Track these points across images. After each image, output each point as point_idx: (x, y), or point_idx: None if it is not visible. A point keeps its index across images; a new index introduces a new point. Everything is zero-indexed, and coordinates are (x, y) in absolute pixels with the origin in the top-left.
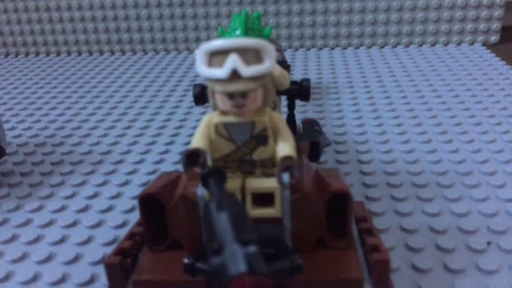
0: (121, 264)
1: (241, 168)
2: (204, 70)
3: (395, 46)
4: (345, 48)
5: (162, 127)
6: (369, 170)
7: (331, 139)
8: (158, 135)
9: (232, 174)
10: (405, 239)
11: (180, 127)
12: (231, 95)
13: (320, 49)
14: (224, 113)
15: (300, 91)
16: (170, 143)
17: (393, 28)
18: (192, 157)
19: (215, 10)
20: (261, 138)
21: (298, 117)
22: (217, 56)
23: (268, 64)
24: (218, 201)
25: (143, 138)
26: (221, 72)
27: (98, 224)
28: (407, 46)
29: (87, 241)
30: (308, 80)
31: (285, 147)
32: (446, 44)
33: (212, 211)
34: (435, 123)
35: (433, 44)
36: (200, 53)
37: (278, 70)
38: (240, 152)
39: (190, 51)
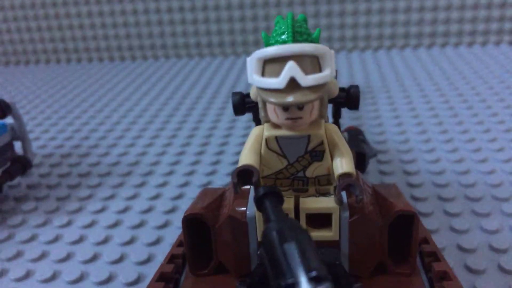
0: None
1: (293, 185)
2: (258, 80)
3: (429, 47)
4: (376, 50)
5: (191, 136)
6: (417, 182)
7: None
8: (188, 144)
9: (283, 192)
10: (465, 259)
11: (210, 135)
12: (286, 107)
13: (350, 51)
14: (276, 126)
15: (348, 99)
16: (200, 153)
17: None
18: (243, 176)
19: (252, 12)
20: (316, 154)
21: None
22: (272, 64)
23: (328, 72)
24: (280, 230)
25: (171, 148)
26: (277, 81)
27: (130, 241)
28: (443, 46)
29: (120, 259)
30: (357, 86)
31: (343, 163)
32: (483, 44)
33: (275, 243)
34: (483, 130)
35: (471, 44)
36: (253, 60)
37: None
38: (292, 169)
39: (225, 56)
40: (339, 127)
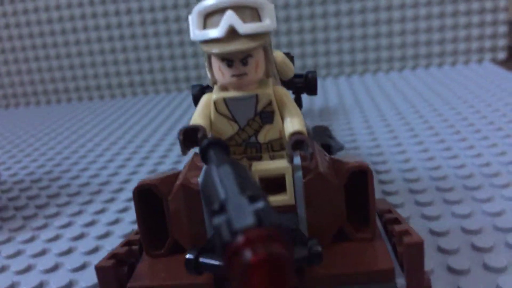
0: (115, 270)
1: (247, 153)
2: (198, 33)
3: (401, 70)
4: (349, 75)
5: (164, 155)
6: (387, 178)
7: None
8: (160, 163)
9: (237, 161)
10: (437, 241)
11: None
12: (230, 63)
13: (324, 78)
14: (224, 89)
15: (306, 83)
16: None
17: (397, 52)
18: (189, 134)
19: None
20: (266, 115)
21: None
22: (212, 17)
23: (268, 22)
24: (218, 161)
25: (143, 167)
26: (217, 31)
27: (95, 250)
28: (414, 68)
29: (82, 267)
30: (314, 72)
31: (293, 123)
32: (453, 64)
33: (211, 171)
34: (453, 132)
35: (440, 64)
36: (194, 15)
37: (280, 56)
38: (244, 134)
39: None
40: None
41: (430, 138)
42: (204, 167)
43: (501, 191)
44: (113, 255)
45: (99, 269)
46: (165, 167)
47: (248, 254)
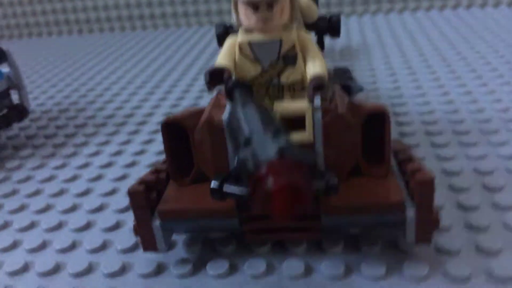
0: (145, 193)
1: (269, 93)
2: None
3: (428, 10)
4: (374, 14)
5: (181, 98)
6: (405, 120)
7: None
8: (182, 98)
9: (260, 100)
10: (449, 180)
11: (200, 97)
12: (255, 8)
13: (348, 16)
14: (249, 32)
15: (329, 25)
16: (194, 105)
17: None
18: (215, 75)
19: None
20: (289, 58)
21: None
22: None
23: None
24: (243, 101)
25: (165, 101)
26: None
27: (123, 177)
28: (442, 9)
29: (112, 192)
30: (338, 15)
31: (315, 66)
32: (482, 7)
33: (237, 110)
34: (475, 76)
35: (469, 6)
36: None
37: (305, 1)
38: (267, 75)
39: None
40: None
41: (451, 82)
42: (228, 105)
43: None
44: (142, 181)
45: (131, 193)
46: (187, 102)
47: (270, 183)
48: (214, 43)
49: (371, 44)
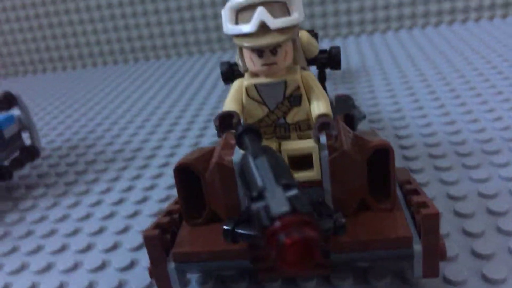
0: (160, 237)
1: (276, 133)
2: (231, 28)
3: (423, 27)
4: (372, 33)
5: (187, 129)
6: (408, 143)
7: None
8: (188, 129)
9: (267, 140)
10: (453, 205)
11: (205, 128)
12: (260, 53)
13: (345, 36)
14: (254, 75)
15: (330, 59)
16: (200, 136)
17: (420, 8)
18: (225, 120)
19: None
20: (294, 99)
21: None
22: (243, 13)
23: (296, 16)
24: (254, 150)
25: (172, 133)
26: (248, 26)
27: (134, 214)
28: (437, 25)
29: (125, 230)
30: (337, 47)
31: (319, 106)
32: (477, 20)
33: (249, 160)
34: (474, 94)
35: (464, 21)
36: (226, 11)
37: (306, 36)
38: (273, 116)
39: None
40: (325, 90)
41: (451, 101)
42: (237, 147)
43: None
44: (157, 225)
45: (147, 238)
46: (193, 133)
47: (283, 237)
48: (216, 71)
49: (370, 65)
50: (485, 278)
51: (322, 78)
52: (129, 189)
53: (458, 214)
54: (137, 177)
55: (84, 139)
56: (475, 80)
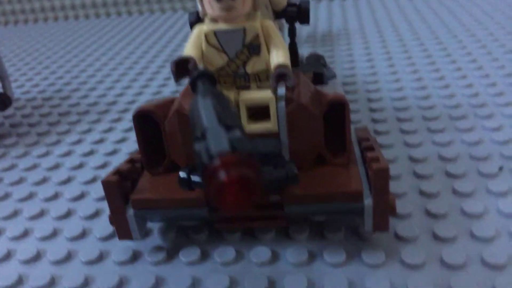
0: (119, 184)
1: (236, 83)
2: None
3: None
4: None
5: (163, 85)
6: (378, 106)
7: (339, 76)
8: (165, 85)
9: (227, 91)
10: (413, 167)
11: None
12: None
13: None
14: (214, 21)
15: (299, 12)
16: (177, 92)
17: None
18: (181, 65)
19: None
20: (254, 47)
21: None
22: None
23: None
24: (203, 92)
25: (148, 88)
26: None
27: (104, 165)
28: None
29: (93, 180)
30: (307, 1)
31: (278, 56)
32: None
33: (197, 101)
34: (449, 60)
35: None
36: None
37: None
38: (233, 65)
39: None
40: (295, 46)
41: (426, 67)
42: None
43: (483, 122)
44: (117, 171)
45: (105, 183)
46: (169, 89)
47: (222, 175)
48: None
49: (352, 30)
50: (436, 236)
51: (292, 33)
52: (100, 141)
53: (417, 175)
54: (109, 130)
55: (59, 91)
56: (453, 47)
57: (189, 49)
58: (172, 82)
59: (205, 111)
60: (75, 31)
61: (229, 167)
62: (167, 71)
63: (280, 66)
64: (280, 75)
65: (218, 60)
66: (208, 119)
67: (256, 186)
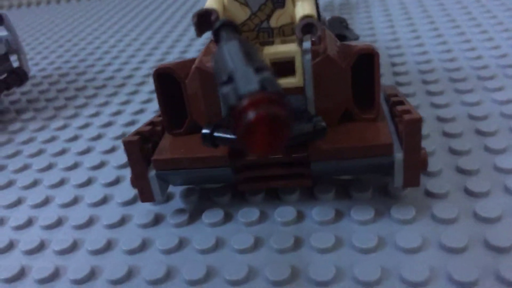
0: (139, 143)
1: (259, 38)
2: None
3: None
4: None
5: (179, 59)
6: (402, 70)
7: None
8: (181, 58)
9: None
10: (442, 127)
11: None
12: None
13: None
14: None
15: None
16: None
17: None
18: (204, 18)
19: None
20: (278, 0)
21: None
22: None
23: None
24: (227, 37)
25: (165, 61)
26: None
27: (122, 135)
28: None
29: (112, 150)
30: None
31: (304, 8)
32: None
33: (221, 46)
34: (474, 24)
35: None
36: None
37: None
38: (256, 19)
39: None
40: (317, 8)
41: (450, 31)
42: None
43: None
44: (137, 132)
45: (126, 143)
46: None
47: (251, 114)
48: None
49: None
50: (468, 192)
51: None
52: (118, 113)
53: (446, 134)
54: (127, 102)
55: (74, 67)
56: (476, 11)
57: (210, 2)
58: (194, 49)
59: (231, 54)
60: (88, 11)
61: (259, 106)
62: (183, 44)
63: (306, 17)
64: (307, 26)
65: (241, 14)
66: (236, 61)
67: (286, 126)
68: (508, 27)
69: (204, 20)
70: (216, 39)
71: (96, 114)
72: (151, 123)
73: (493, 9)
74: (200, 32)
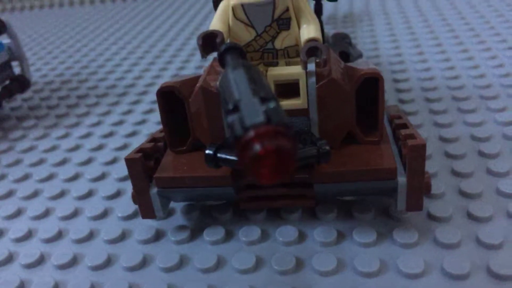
0: (141, 161)
1: (264, 59)
2: None
3: None
4: None
5: (181, 68)
6: (405, 87)
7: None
8: (183, 68)
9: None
10: (444, 147)
11: (200, 67)
12: None
13: None
14: None
15: None
16: None
17: None
18: (208, 39)
19: None
20: (283, 21)
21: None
22: None
23: None
24: (233, 64)
25: (167, 71)
26: None
27: (123, 147)
28: None
29: (113, 161)
30: None
31: (309, 30)
32: None
33: (227, 73)
34: (478, 41)
35: None
36: None
37: None
38: (261, 40)
39: None
40: (321, 25)
41: (454, 48)
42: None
43: None
44: (140, 149)
45: (128, 161)
46: (188, 72)
47: (257, 147)
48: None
49: (374, 10)
50: (471, 216)
51: (318, 11)
52: (120, 123)
53: (448, 155)
54: (129, 112)
55: (77, 74)
56: (480, 28)
57: (215, 23)
58: (196, 58)
59: (238, 83)
60: (91, 16)
61: (264, 139)
62: (185, 53)
63: (311, 40)
64: (311, 49)
65: (246, 35)
66: (241, 91)
67: (292, 157)
68: None
69: (209, 42)
70: (221, 62)
71: (97, 124)
72: (153, 139)
73: (497, 26)
74: (205, 54)
